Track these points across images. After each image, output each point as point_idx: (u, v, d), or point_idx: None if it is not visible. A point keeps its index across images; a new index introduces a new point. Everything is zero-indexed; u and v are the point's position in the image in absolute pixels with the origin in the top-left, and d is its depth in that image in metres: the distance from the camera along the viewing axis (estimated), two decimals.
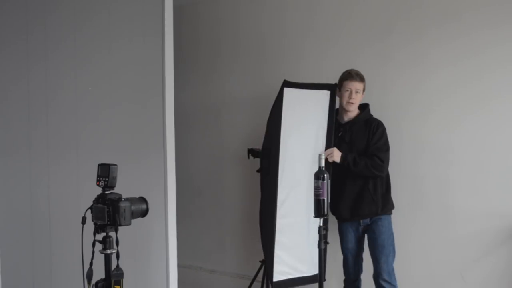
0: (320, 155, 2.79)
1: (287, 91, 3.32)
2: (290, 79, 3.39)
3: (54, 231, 2.96)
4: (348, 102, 3.29)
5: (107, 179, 2.17)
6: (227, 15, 4.52)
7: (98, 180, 2.19)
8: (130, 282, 2.32)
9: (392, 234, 3.30)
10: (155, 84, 3.11)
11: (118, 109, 3.16)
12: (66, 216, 2.86)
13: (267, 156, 3.39)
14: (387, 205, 3.30)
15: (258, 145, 3.65)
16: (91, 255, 2.14)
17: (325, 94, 3.39)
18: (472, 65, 3.32)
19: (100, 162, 2.22)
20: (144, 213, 2.28)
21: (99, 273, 2.18)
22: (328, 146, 3.33)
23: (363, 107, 3.38)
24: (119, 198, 2.15)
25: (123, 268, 2.15)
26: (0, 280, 2.46)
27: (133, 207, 2.20)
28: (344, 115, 3.37)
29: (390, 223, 3.31)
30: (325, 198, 2.76)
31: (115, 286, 2.15)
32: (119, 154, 2.92)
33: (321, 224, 2.79)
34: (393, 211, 3.35)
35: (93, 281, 2.17)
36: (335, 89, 3.39)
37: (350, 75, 3.31)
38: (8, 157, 2.90)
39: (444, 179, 3.42)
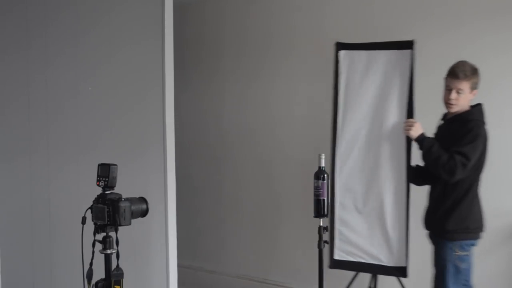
0: (320, 155, 2.77)
1: (344, 54, 2.87)
2: (295, 80, 3.24)
3: (54, 231, 2.96)
4: (447, 103, 2.77)
5: (107, 179, 2.16)
6: (231, 14, 4.52)
7: (98, 180, 2.19)
8: (130, 282, 2.31)
9: (446, 264, 2.74)
10: (155, 84, 3.11)
11: (118, 109, 3.16)
12: (66, 216, 2.86)
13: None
14: (448, 227, 2.73)
15: (258, 145, 3.64)
16: (91, 255, 2.14)
17: (401, 54, 2.86)
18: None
19: (100, 162, 2.22)
20: (144, 213, 2.27)
21: (99, 273, 2.18)
22: (409, 116, 2.90)
23: (473, 107, 2.81)
24: (119, 198, 2.15)
25: (123, 268, 2.15)
26: (0, 280, 2.45)
27: (133, 207, 2.19)
28: (448, 112, 2.86)
29: (450, 253, 2.72)
30: (325, 198, 2.75)
31: (115, 286, 2.15)
32: (119, 154, 2.92)
33: (321, 224, 2.78)
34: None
35: (93, 281, 2.17)
36: (412, 47, 2.86)
37: (451, 72, 2.72)
38: (8, 154, 2.90)
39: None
